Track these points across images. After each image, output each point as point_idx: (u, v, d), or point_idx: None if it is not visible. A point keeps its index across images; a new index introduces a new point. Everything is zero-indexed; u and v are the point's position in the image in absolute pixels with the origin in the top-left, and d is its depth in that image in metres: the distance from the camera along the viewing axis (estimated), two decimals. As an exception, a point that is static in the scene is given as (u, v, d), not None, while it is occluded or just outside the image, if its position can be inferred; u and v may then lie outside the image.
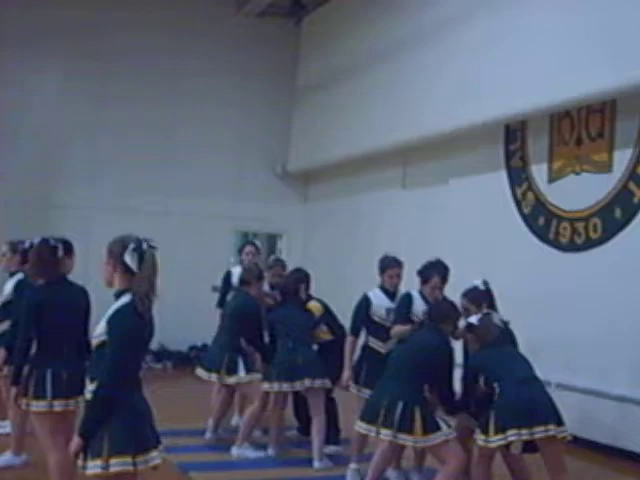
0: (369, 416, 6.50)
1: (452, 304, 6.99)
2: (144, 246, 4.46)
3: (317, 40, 15.46)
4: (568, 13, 9.27)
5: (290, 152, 15.97)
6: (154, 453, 4.42)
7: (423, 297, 7.46)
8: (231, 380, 8.42)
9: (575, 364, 9.41)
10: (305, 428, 8.67)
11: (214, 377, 8.53)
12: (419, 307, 7.40)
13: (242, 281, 8.75)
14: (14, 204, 13.92)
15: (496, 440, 6.13)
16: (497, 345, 6.51)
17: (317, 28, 15.57)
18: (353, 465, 7.39)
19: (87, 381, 4.44)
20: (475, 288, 7.09)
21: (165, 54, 15.10)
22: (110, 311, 4.40)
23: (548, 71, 9.28)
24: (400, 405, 6.26)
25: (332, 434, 8.50)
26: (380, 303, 7.79)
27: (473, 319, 6.67)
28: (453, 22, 11.18)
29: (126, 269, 4.43)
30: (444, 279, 7.48)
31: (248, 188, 15.60)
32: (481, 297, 6.99)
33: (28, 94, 14.63)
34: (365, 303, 7.82)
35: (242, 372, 8.38)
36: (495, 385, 6.27)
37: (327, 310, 8.80)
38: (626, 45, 8.38)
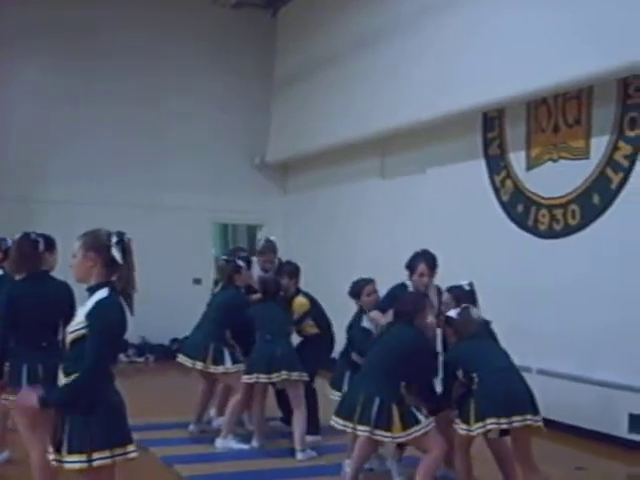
0: (345, 412, 6.50)
1: (415, 295, 7.01)
2: (125, 238, 4.46)
3: (294, 31, 15.43)
4: (545, 1, 9.30)
5: (269, 143, 15.94)
6: (131, 446, 4.43)
7: (415, 288, 7.42)
8: (218, 369, 8.40)
9: (554, 349, 9.46)
10: (288, 418, 8.68)
11: (199, 365, 8.47)
12: None
13: (228, 278, 8.76)
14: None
15: (476, 428, 6.17)
16: (475, 337, 6.53)
17: (294, 19, 15.55)
18: (348, 460, 7.15)
19: (61, 375, 4.39)
20: (460, 287, 7.12)
21: (140, 49, 14.97)
22: (89, 304, 4.36)
23: (524, 58, 9.31)
24: (377, 402, 6.26)
25: (312, 425, 8.50)
26: (373, 326, 7.59)
27: (452, 313, 6.68)
28: (430, 11, 11.18)
29: (108, 263, 4.41)
30: (431, 266, 7.49)
31: (227, 180, 15.55)
32: (464, 296, 7.00)
33: (9, 91, 14.55)
34: (367, 334, 7.49)
35: (229, 362, 8.38)
36: (474, 375, 6.30)
37: (314, 304, 8.79)
38: (602, 31, 8.40)
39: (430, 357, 6.70)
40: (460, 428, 6.32)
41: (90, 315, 4.31)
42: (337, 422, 6.56)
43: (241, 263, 8.81)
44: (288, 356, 8.10)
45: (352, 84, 13.07)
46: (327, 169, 14.58)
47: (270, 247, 9.49)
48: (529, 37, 9.37)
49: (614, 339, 8.81)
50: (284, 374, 8.02)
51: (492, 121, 10.87)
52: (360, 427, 6.34)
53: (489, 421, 6.10)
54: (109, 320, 4.32)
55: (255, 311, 8.44)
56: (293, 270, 8.73)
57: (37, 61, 14.65)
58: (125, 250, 4.42)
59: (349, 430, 6.52)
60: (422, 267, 7.46)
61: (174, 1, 15.29)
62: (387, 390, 6.32)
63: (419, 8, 11.48)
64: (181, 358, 8.69)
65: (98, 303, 4.33)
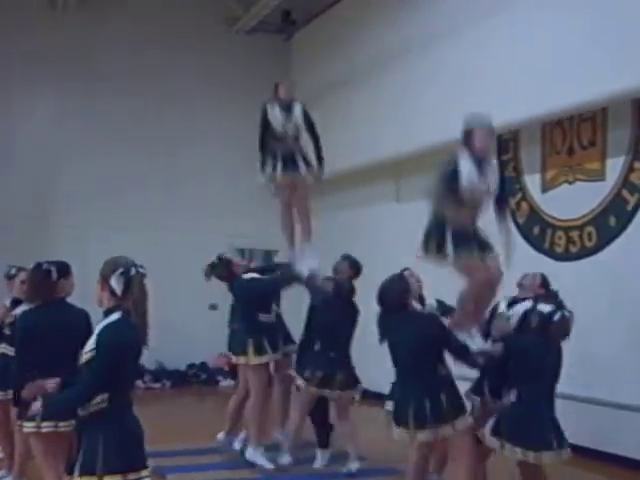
0: (399, 420, 6.33)
1: (392, 280, 6.83)
2: (132, 271, 4.49)
3: (307, 55, 15.50)
4: (559, 23, 9.30)
5: (283, 168, 15.94)
6: (145, 472, 4.45)
7: (475, 160, 6.87)
8: (262, 360, 8.39)
9: (569, 372, 9.37)
10: (320, 436, 8.66)
11: (242, 360, 8.48)
12: (471, 177, 6.90)
13: (222, 277, 8.99)
14: (9, 226, 13.90)
15: (491, 442, 6.25)
16: (549, 340, 6.50)
17: (307, 44, 15.62)
18: None
19: None
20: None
21: (156, 73, 15.16)
22: (100, 327, 4.44)
23: (539, 80, 9.31)
24: (427, 402, 6.13)
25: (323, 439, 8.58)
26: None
27: (546, 308, 6.69)
28: (443, 33, 11.21)
29: (113, 291, 4.49)
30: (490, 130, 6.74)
31: (243, 204, 15.53)
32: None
33: (20, 116, 14.69)
34: None
35: (269, 353, 8.42)
36: (513, 389, 6.31)
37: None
38: (617, 53, 8.41)
39: (443, 328, 6.56)
40: (481, 434, 6.36)
41: (98, 336, 4.40)
42: (396, 432, 6.37)
43: (229, 256, 9.18)
44: (347, 376, 8.23)
45: (366, 107, 13.09)
46: (342, 193, 14.59)
47: (344, 264, 9.43)
48: (543, 59, 9.37)
49: (632, 361, 8.75)
50: (337, 393, 8.20)
51: (507, 143, 10.87)
52: (420, 432, 6.19)
53: (506, 444, 6.16)
54: (113, 341, 4.37)
55: (323, 316, 8.49)
56: (355, 265, 9.24)
57: (52, 84, 14.81)
58: (129, 282, 4.47)
59: (407, 438, 6.32)
60: (480, 131, 6.73)
61: (189, 27, 15.47)
62: (430, 383, 6.22)
63: (432, 31, 11.50)
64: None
65: (106, 326, 4.42)
